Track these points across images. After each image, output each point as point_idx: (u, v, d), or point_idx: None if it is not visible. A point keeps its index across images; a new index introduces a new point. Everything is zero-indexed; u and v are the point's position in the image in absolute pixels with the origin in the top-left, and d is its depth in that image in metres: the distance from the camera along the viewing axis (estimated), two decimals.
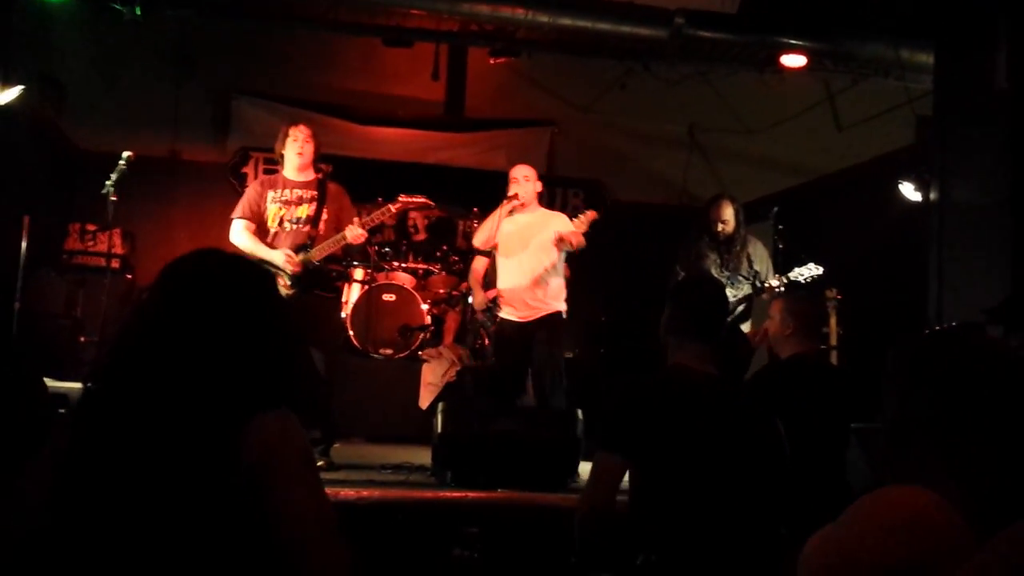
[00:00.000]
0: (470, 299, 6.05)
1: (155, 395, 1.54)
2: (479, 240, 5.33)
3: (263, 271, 1.77)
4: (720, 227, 5.51)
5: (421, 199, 4.99)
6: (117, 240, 7.21)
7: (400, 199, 4.90)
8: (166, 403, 1.53)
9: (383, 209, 4.84)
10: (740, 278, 5.47)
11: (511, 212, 5.19)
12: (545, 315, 5.13)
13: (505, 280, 5.19)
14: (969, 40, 4.94)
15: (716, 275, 5.36)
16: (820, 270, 5.27)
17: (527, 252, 5.14)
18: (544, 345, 5.10)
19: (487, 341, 5.38)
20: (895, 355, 1.47)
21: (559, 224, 5.17)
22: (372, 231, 5.07)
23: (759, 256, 5.57)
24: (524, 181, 5.23)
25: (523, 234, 5.18)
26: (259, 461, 1.50)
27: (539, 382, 5.17)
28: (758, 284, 5.44)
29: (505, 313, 5.18)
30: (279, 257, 4.59)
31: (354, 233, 4.65)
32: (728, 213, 5.53)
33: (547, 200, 5.52)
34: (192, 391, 1.54)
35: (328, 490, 3.86)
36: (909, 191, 6.14)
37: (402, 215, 7.70)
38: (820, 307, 5.38)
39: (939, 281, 4.99)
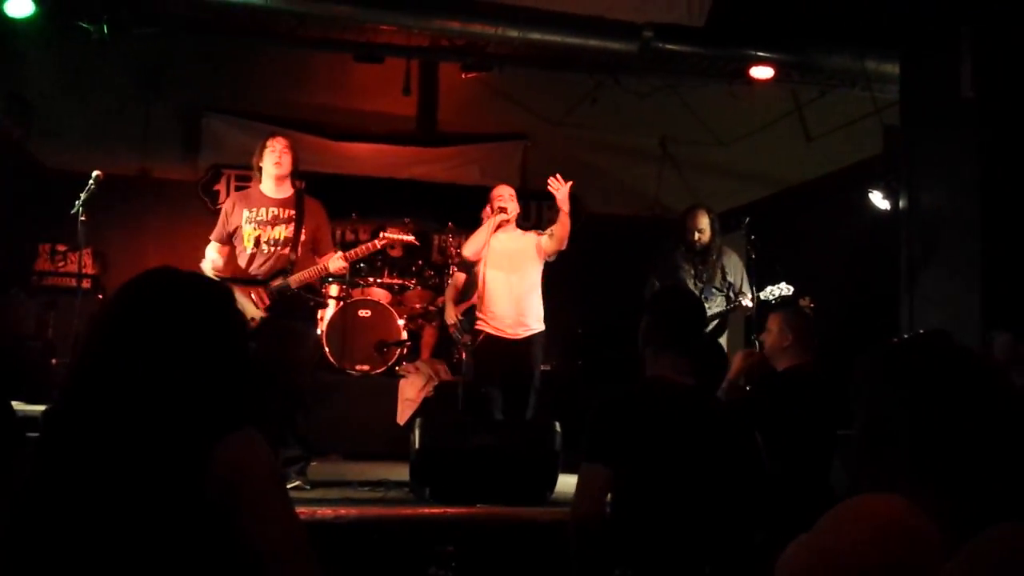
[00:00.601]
0: None
1: (117, 417, 1.52)
2: (469, 251, 5.35)
3: (221, 289, 1.75)
4: (696, 236, 5.56)
5: (408, 238, 5.02)
6: (88, 260, 7.12)
7: (385, 235, 4.90)
8: (129, 425, 1.51)
9: (368, 245, 4.86)
10: (714, 290, 5.51)
11: (497, 228, 5.23)
12: (532, 335, 5.21)
13: (494, 299, 5.22)
14: (934, 50, 5.01)
15: (691, 286, 5.40)
16: (790, 290, 5.34)
17: (515, 272, 5.21)
18: (528, 364, 5.18)
19: (464, 355, 5.37)
20: (864, 362, 1.48)
21: (541, 238, 5.24)
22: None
23: (733, 267, 5.61)
24: (510, 199, 5.32)
25: (511, 255, 5.23)
26: (227, 481, 1.49)
27: (521, 399, 5.19)
28: (731, 297, 5.49)
29: (492, 330, 5.20)
30: (249, 308, 4.52)
31: (337, 266, 4.65)
32: (704, 222, 5.59)
33: (521, 214, 5.56)
34: (152, 413, 1.52)
35: (305, 509, 3.82)
36: (878, 200, 6.20)
37: (374, 229, 7.68)
38: None
39: (910, 288, 5.05)
